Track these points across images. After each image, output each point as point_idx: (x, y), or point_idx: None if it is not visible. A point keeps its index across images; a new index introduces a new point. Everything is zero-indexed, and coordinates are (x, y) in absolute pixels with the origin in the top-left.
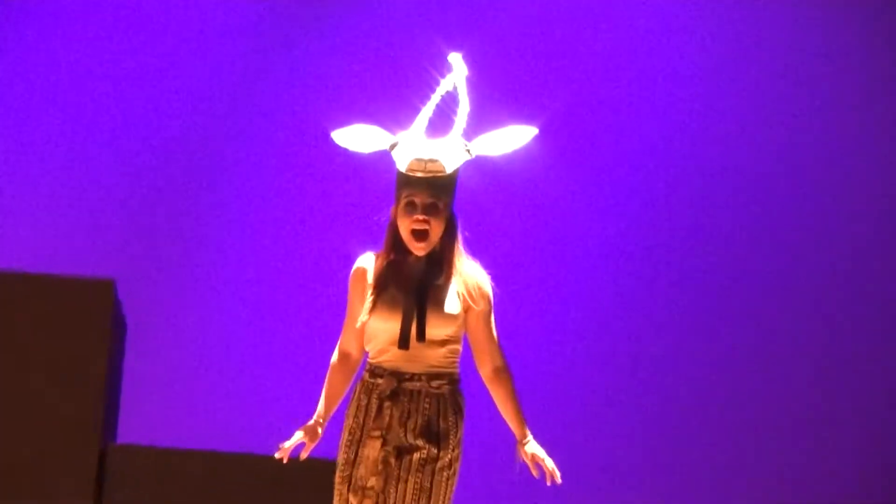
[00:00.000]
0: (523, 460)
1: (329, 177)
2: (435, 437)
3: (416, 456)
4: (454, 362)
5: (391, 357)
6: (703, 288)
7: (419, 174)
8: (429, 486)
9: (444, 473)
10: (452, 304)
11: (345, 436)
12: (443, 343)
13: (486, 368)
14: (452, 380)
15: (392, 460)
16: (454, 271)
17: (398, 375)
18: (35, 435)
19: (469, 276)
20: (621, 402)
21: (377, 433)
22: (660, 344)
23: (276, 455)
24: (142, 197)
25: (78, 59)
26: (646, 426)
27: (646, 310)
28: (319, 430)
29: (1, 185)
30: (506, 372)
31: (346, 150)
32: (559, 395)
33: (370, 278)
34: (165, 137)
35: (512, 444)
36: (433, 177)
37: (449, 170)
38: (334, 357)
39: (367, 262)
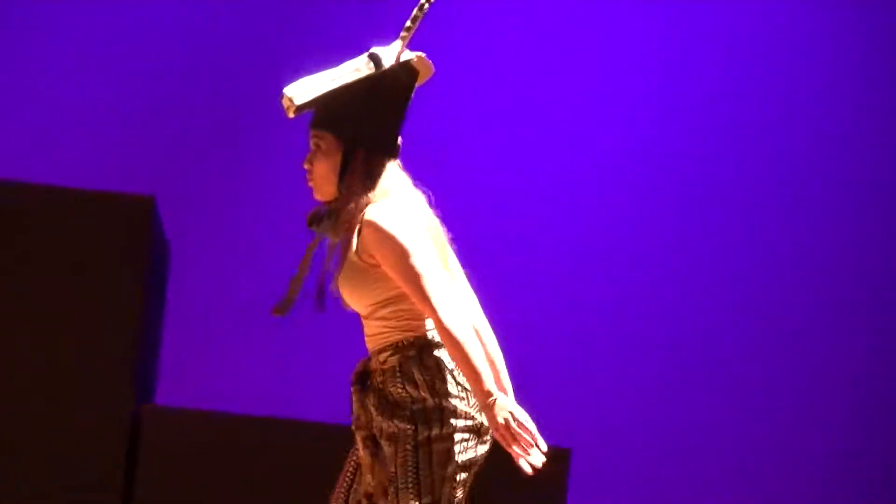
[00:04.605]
0: None
1: None
2: (388, 407)
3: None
4: (401, 327)
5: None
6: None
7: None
8: (378, 461)
9: (405, 447)
10: (351, 263)
11: None
12: (368, 315)
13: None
14: (401, 347)
15: (367, 453)
16: (350, 218)
17: (367, 357)
18: (59, 385)
19: (364, 221)
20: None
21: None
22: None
23: None
24: (185, 107)
25: None
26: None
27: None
28: None
29: (35, 94)
30: (443, 329)
31: None
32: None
33: None
34: (210, 47)
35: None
36: (297, 113)
37: (298, 101)
38: None
39: None
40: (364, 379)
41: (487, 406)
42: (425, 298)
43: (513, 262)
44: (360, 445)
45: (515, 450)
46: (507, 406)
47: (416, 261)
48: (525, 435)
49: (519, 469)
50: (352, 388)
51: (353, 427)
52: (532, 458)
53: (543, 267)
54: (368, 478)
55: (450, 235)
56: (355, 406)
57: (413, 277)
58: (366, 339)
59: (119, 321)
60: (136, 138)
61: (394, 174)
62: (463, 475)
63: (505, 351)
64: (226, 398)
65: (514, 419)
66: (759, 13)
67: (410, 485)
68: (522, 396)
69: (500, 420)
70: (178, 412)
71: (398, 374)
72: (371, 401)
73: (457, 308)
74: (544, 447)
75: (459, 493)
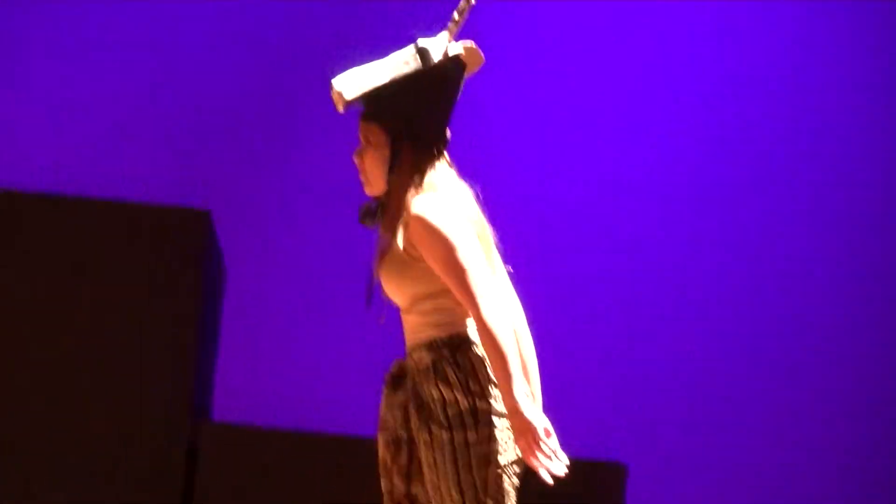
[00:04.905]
0: None
1: None
2: (424, 413)
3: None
4: (439, 322)
5: None
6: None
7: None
8: (426, 466)
9: (443, 454)
10: (395, 255)
11: None
12: (408, 308)
13: None
14: (435, 346)
15: (388, 458)
16: (398, 211)
17: (402, 359)
18: (116, 401)
19: (412, 214)
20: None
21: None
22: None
23: None
24: (242, 121)
25: None
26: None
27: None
28: None
29: (92, 106)
30: (482, 326)
31: None
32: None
33: None
34: (268, 61)
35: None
36: (346, 108)
37: (348, 96)
38: None
39: None
40: (397, 381)
41: (513, 412)
42: (468, 294)
43: (565, 272)
44: (381, 448)
45: (533, 461)
46: (531, 415)
47: (462, 256)
48: (544, 447)
49: (539, 479)
50: (384, 391)
51: (379, 429)
52: (553, 468)
53: (600, 280)
54: (396, 481)
55: (495, 233)
56: (383, 409)
57: (457, 273)
58: (405, 334)
59: (175, 335)
60: (191, 154)
61: (442, 168)
62: (507, 476)
63: (561, 364)
64: (281, 414)
65: (535, 430)
66: (808, 19)
67: (454, 492)
68: (576, 410)
69: (522, 429)
70: (234, 429)
71: (432, 374)
72: (405, 404)
73: (499, 307)
74: (565, 460)
75: (506, 496)
